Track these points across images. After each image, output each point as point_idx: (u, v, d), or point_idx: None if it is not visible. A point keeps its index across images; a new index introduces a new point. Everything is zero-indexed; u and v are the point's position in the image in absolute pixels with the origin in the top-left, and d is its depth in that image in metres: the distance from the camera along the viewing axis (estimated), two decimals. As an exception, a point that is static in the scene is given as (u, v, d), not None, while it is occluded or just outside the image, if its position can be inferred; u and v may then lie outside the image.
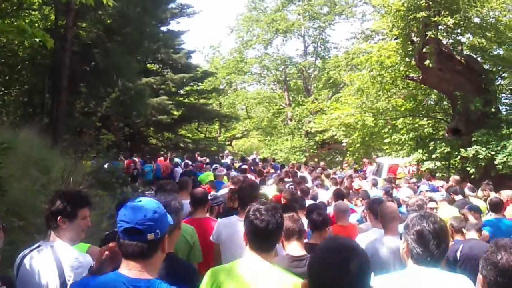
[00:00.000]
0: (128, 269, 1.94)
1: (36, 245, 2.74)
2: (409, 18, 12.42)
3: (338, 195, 7.00)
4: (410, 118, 16.22)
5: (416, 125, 15.95)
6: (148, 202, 2.03)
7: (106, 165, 10.39)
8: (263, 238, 2.55)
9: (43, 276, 2.57)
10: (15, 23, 18.44)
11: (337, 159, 30.67)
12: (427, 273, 2.27)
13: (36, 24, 18.18)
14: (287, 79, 34.25)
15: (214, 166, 13.09)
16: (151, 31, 17.87)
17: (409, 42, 13.38)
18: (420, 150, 14.33)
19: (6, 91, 18.72)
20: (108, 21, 16.95)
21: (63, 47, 14.41)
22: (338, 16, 33.07)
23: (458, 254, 4.63)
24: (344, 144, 23.72)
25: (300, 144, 29.20)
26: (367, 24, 31.72)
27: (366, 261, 1.63)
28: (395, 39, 13.89)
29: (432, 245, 2.27)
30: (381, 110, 16.20)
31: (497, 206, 6.12)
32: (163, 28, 27.87)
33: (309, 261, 1.72)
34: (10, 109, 18.95)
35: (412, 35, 13.16)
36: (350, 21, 34.01)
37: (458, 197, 7.67)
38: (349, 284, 1.56)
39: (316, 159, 26.51)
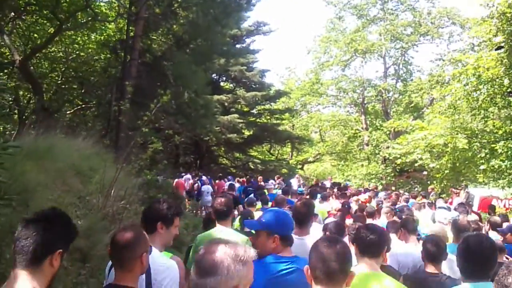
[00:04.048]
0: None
1: None
2: (516, 22, 10.48)
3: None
4: (513, 142, 13.86)
5: (520, 151, 13.51)
6: None
7: (160, 179, 9.39)
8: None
9: None
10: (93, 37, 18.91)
11: (416, 189, 28.10)
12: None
13: (113, 39, 18.29)
14: (365, 102, 32.45)
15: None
16: (220, 41, 17.19)
17: (515, 52, 11.34)
18: (524, 181, 12.13)
19: (83, 106, 18.87)
20: (179, 33, 16.51)
21: (131, 57, 13.99)
22: (423, 37, 31.05)
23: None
24: (425, 172, 21.51)
25: (376, 171, 27.34)
26: (454, 46, 29.38)
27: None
28: (497, 48, 11.83)
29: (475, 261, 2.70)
30: (476, 132, 13.96)
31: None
32: (238, 46, 27.56)
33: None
34: (89, 123, 19.05)
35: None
36: (436, 42, 31.50)
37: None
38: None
39: (393, 188, 24.38)
